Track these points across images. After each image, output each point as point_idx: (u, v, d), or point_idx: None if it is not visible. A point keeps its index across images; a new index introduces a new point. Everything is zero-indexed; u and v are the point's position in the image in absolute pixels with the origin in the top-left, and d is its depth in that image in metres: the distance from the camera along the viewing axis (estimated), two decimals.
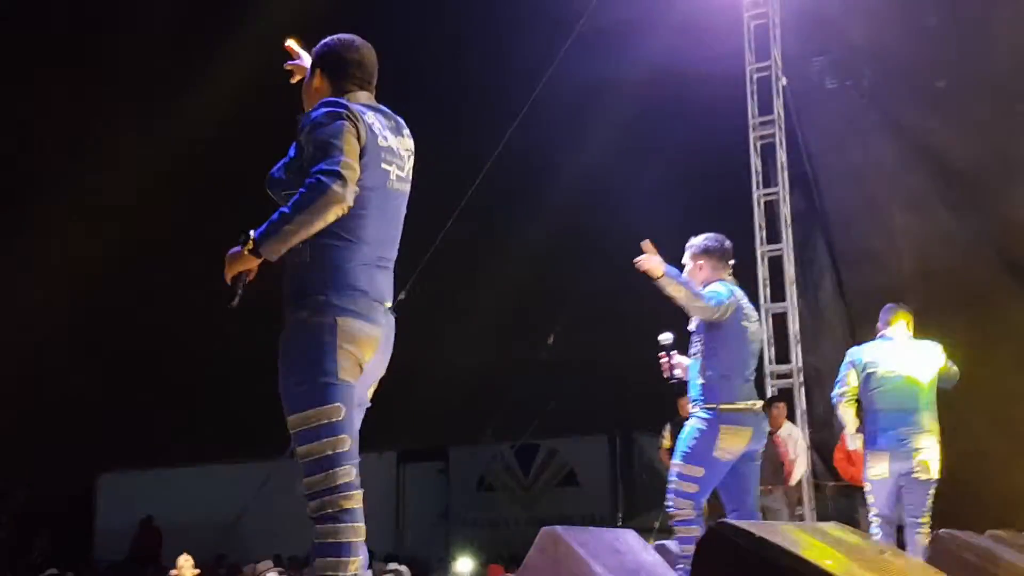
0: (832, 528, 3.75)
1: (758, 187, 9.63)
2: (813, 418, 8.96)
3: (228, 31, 11.63)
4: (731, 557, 2.69)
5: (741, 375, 4.58)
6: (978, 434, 8.02)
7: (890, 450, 5.53)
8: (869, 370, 5.69)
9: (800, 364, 9.19)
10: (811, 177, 9.66)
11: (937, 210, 8.59)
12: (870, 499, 5.64)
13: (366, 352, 2.72)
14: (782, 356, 9.40)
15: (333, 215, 2.60)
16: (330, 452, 2.62)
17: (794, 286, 9.39)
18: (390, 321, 2.82)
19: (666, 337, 4.82)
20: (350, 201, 2.61)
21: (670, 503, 4.62)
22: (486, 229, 11.73)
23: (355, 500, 2.63)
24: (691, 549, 3.94)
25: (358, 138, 2.71)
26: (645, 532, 5.28)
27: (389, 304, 2.83)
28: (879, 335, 5.86)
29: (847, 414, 5.79)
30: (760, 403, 4.69)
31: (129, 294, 14.55)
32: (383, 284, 2.81)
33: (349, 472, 2.63)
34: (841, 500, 8.45)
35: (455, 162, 10.03)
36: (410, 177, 2.94)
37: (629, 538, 5.03)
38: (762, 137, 9.71)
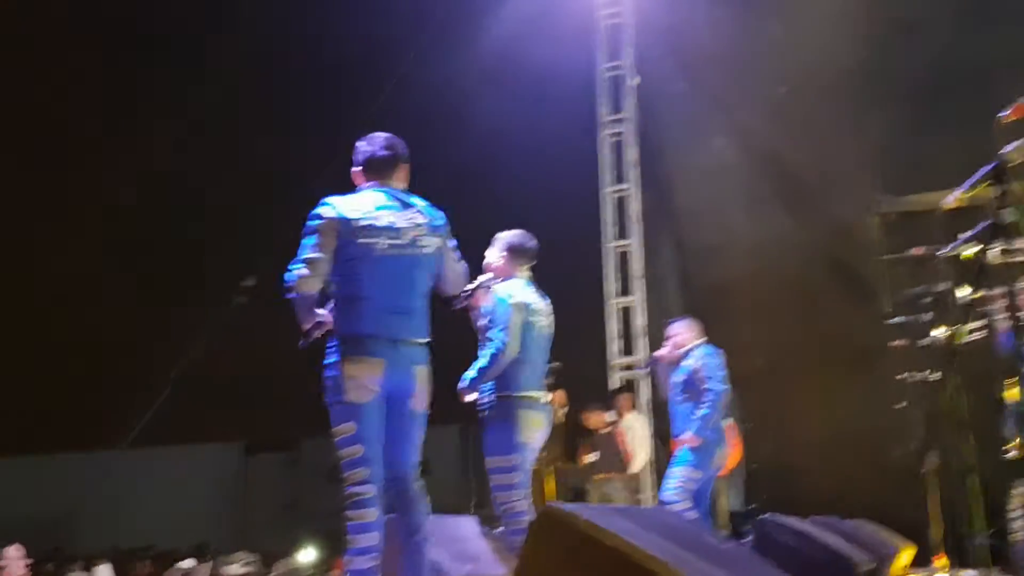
0: (661, 513, 3.89)
1: (608, 183, 9.89)
2: (656, 408, 9.24)
3: None
4: (560, 539, 2.75)
5: (530, 366, 4.75)
6: (806, 426, 8.42)
7: (717, 446, 6.11)
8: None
9: (646, 357, 9.47)
10: (661, 175, 9.92)
11: (773, 211, 8.94)
12: (690, 484, 5.99)
13: (373, 375, 3.57)
14: (629, 349, 9.69)
15: (296, 292, 3.62)
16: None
17: (643, 281, 9.67)
18: (402, 350, 3.64)
19: (486, 277, 4.87)
20: (304, 286, 3.60)
21: (496, 500, 4.65)
22: None
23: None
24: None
25: (333, 231, 3.63)
26: (494, 520, 5.33)
27: (406, 338, 3.67)
28: (706, 342, 6.33)
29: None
30: (548, 396, 4.91)
31: None
32: (397, 324, 3.65)
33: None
34: None
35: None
36: (417, 240, 3.74)
37: (469, 525, 5.09)
38: (612, 135, 9.96)
